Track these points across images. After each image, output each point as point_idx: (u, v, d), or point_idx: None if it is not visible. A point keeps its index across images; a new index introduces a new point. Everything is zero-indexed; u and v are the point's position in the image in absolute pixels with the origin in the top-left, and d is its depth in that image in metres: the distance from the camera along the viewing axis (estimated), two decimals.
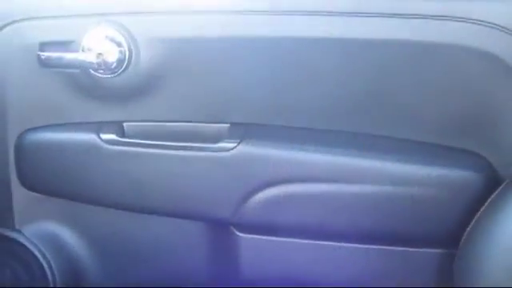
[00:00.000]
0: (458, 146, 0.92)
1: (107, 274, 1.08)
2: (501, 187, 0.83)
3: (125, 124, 0.97)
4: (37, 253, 1.03)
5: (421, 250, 0.94)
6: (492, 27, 0.81)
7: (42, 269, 1.04)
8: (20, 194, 1.03)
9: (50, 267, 1.04)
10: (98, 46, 0.89)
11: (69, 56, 0.91)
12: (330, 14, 0.86)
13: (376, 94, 0.90)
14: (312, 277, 0.97)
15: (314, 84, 0.91)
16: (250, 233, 0.99)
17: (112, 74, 0.90)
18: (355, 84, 0.90)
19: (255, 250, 1.00)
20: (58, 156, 0.99)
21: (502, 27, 0.81)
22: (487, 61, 0.83)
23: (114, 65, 0.90)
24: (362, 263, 0.97)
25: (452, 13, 0.82)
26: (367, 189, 0.90)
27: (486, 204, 0.83)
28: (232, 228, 1.00)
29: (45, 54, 0.91)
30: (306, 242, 0.97)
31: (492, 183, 0.87)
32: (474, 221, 0.83)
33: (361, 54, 0.87)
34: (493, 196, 0.83)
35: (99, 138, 0.96)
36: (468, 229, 0.84)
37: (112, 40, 0.90)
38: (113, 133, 0.96)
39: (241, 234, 1.00)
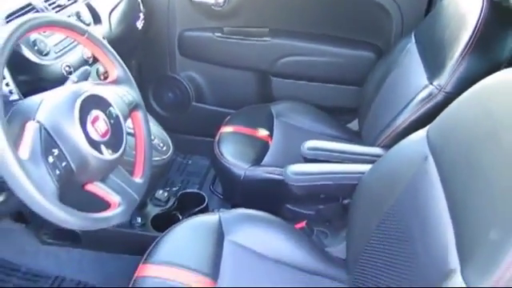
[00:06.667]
0: (363, 39, 2.00)
1: (214, 95, 2.20)
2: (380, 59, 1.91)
3: (224, 28, 2.05)
4: (185, 84, 2.17)
5: (348, 86, 2.06)
6: None
7: (187, 92, 2.18)
8: (179, 58, 2.13)
9: (191, 90, 2.17)
10: None
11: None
12: None
13: (327, 16, 1.98)
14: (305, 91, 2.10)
15: (301, 12, 1.99)
16: (276, 77, 2.11)
17: (219, 7, 1.98)
18: (317, 12, 1.98)
19: (280, 85, 2.11)
20: (196, 40, 2.08)
21: None
22: (372, 3, 1.90)
23: (221, 4, 1.97)
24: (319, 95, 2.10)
25: None
26: (321, 59, 2.01)
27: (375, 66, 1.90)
28: (269, 75, 2.12)
29: (194, 0, 1.99)
30: (300, 82, 2.09)
31: (377, 57, 1.94)
32: (368, 74, 1.91)
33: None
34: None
35: (214, 34, 2.05)
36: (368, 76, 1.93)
37: None
38: (219, 32, 2.05)
39: (273, 78, 2.11)
